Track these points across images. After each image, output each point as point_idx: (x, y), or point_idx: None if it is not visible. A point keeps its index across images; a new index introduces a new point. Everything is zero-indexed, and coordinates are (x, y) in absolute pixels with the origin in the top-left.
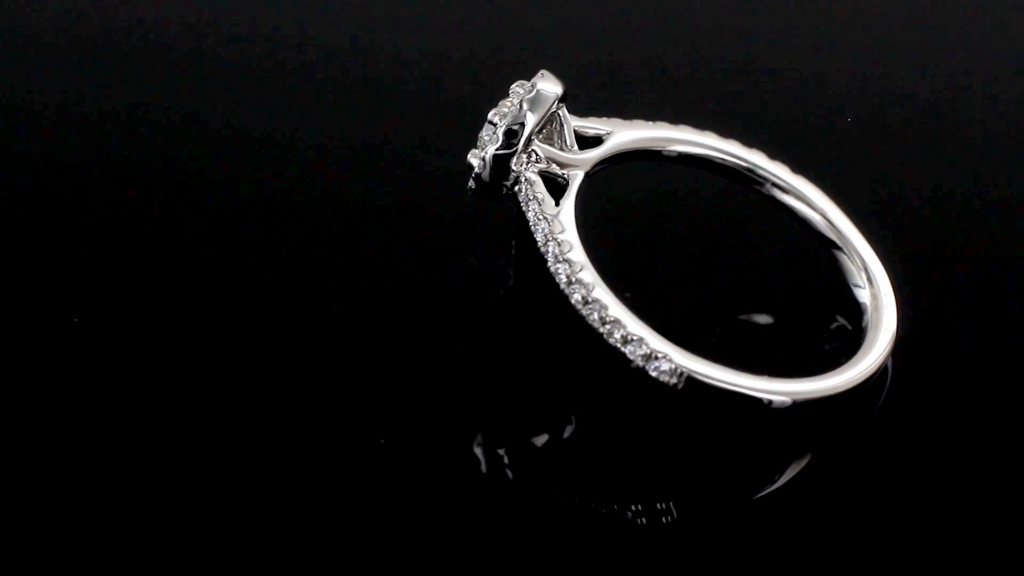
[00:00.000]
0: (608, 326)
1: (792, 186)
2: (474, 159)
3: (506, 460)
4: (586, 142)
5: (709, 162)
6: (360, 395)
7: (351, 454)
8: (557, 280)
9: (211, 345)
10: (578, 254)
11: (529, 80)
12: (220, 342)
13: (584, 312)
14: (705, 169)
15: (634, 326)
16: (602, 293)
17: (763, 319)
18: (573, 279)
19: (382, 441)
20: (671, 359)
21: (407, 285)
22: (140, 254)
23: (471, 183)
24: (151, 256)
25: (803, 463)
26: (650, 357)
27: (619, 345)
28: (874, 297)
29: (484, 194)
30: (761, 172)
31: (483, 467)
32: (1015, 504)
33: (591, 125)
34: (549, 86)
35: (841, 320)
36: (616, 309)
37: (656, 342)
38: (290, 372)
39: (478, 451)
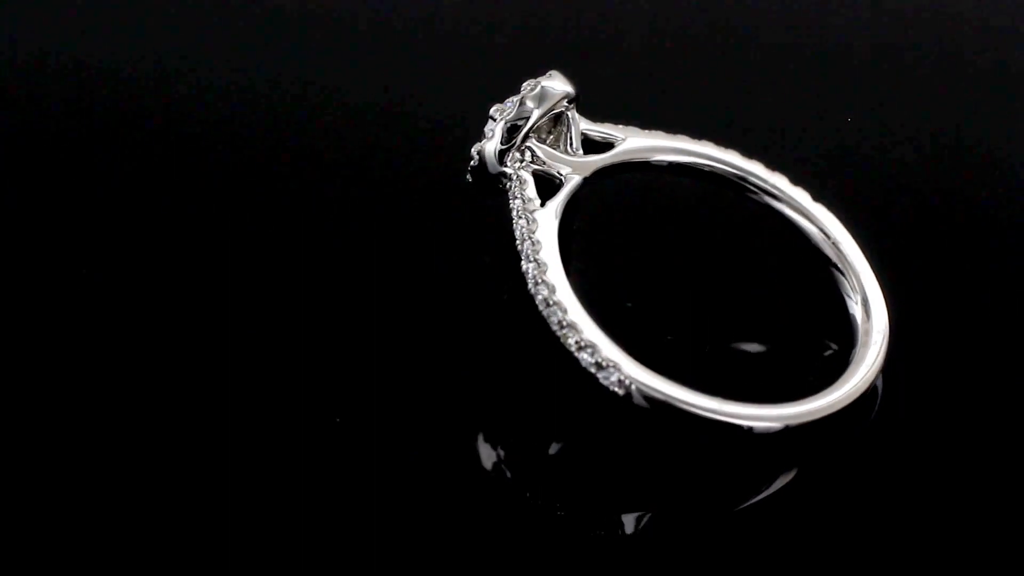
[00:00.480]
0: (565, 330)
1: (806, 208)
2: (475, 151)
3: (503, 456)
4: (596, 147)
5: (700, 171)
6: (361, 392)
7: (349, 452)
8: (526, 279)
9: (206, 341)
10: (548, 254)
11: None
12: (216, 339)
13: (545, 313)
14: (699, 179)
15: (589, 332)
16: (564, 296)
17: (753, 347)
18: (539, 279)
19: (337, 420)
20: (620, 369)
21: (414, 282)
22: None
23: (468, 176)
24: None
25: (789, 476)
26: (600, 366)
27: (573, 351)
28: (865, 333)
29: (480, 187)
30: (760, 184)
31: (484, 463)
32: (1001, 521)
33: (602, 130)
34: (554, 85)
35: (833, 347)
36: (575, 314)
37: (609, 351)
38: (288, 370)
39: (480, 445)
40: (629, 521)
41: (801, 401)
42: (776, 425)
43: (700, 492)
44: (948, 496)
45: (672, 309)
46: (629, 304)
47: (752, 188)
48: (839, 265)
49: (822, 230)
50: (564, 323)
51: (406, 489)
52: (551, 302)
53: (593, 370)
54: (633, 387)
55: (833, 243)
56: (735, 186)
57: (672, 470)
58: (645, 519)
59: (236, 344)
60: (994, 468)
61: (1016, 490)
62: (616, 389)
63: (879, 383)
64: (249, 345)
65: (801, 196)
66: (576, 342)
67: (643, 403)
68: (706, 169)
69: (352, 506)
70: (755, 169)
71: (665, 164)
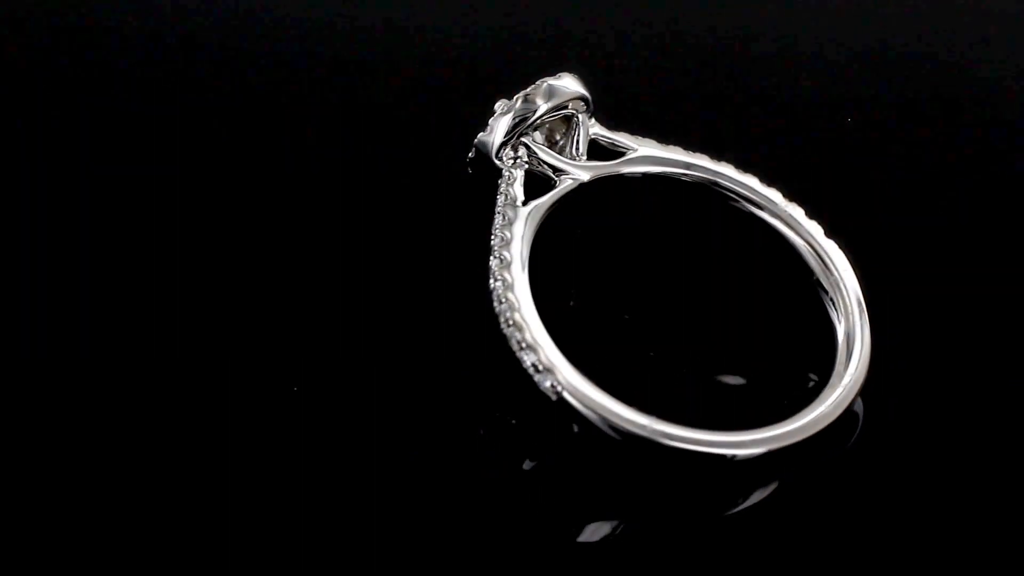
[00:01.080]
0: (510, 328)
1: (798, 222)
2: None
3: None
4: (605, 153)
5: (677, 181)
6: (359, 390)
7: (347, 452)
8: (489, 273)
9: (203, 337)
10: (513, 251)
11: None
12: (210, 336)
13: (497, 310)
14: (676, 190)
15: (533, 334)
16: (518, 294)
17: (734, 380)
18: (498, 275)
19: (295, 389)
20: (555, 374)
21: (414, 279)
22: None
23: (469, 169)
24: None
25: (770, 488)
26: (537, 368)
27: (516, 350)
28: (837, 375)
29: (480, 180)
30: (736, 190)
31: (474, 465)
32: (977, 544)
33: (615, 138)
34: (564, 85)
35: (813, 378)
36: (525, 312)
37: (549, 355)
38: (279, 370)
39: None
40: (601, 530)
41: (742, 431)
42: (700, 448)
43: (683, 498)
44: (926, 520)
45: (659, 323)
46: (627, 316)
47: (731, 196)
48: (828, 289)
49: (817, 252)
50: (511, 321)
51: (404, 489)
52: (503, 299)
53: (531, 372)
54: (565, 393)
55: (828, 267)
56: (715, 195)
57: (646, 484)
58: (617, 530)
59: (232, 341)
60: (975, 489)
61: (993, 513)
62: (549, 394)
63: (859, 408)
64: (244, 342)
65: (815, 229)
66: (519, 342)
67: (593, 418)
68: (685, 179)
69: (353, 504)
70: (749, 182)
71: (639, 175)
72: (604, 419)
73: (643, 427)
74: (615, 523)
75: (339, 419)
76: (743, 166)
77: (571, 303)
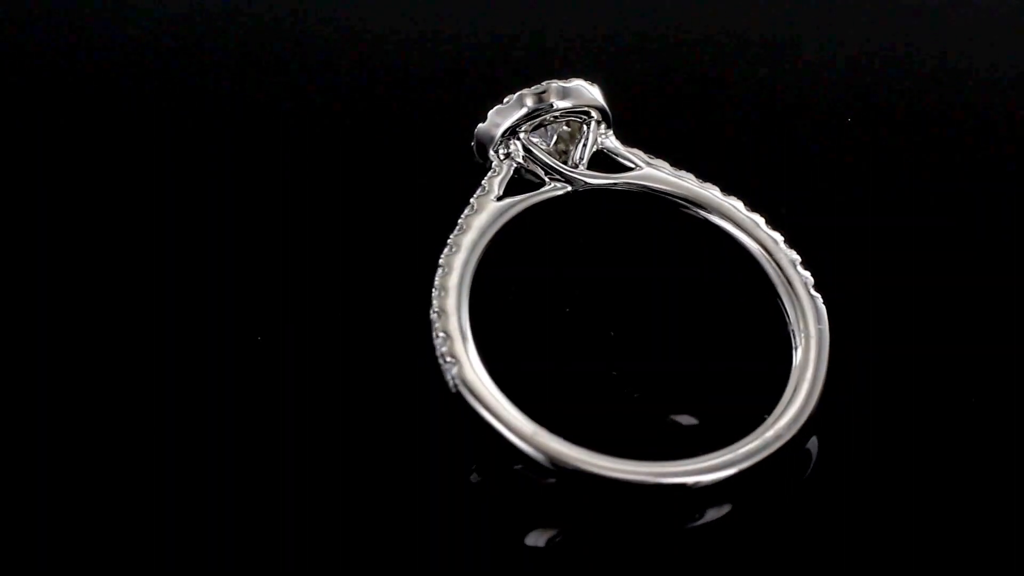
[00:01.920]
0: (434, 314)
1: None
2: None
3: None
4: (613, 166)
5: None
6: (352, 388)
7: (338, 450)
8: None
9: (208, 340)
10: (466, 241)
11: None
12: (210, 335)
13: (432, 295)
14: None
15: (453, 323)
16: (452, 282)
17: (687, 420)
18: (443, 262)
19: (259, 338)
20: (460, 366)
21: (411, 277)
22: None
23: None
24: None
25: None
26: (444, 357)
27: (433, 336)
28: (774, 418)
29: (480, 170)
30: (743, 225)
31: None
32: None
33: (624, 153)
34: (581, 91)
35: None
36: (452, 300)
37: (458, 347)
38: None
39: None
40: (539, 538)
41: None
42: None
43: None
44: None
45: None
46: (612, 333)
47: (733, 231)
48: (793, 320)
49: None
50: (436, 308)
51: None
52: (437, 285)
53: (440, 360)
54: (461, 388)
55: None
56: (716, 229)
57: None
58: (557, 538)
59: (223, 339)
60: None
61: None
62: (450, 386)
63: (813, 447)
64: (237, 339)
65: (810, 279)
66: (437, 328)
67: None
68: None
69: (349, 501)
70: (732, 202)
71: (591, 188)
72: (496, 420)
73: (527, 436)
74: (555, 531)
75: (328, 410)
76: (755, 205)
77: (567, 310)
